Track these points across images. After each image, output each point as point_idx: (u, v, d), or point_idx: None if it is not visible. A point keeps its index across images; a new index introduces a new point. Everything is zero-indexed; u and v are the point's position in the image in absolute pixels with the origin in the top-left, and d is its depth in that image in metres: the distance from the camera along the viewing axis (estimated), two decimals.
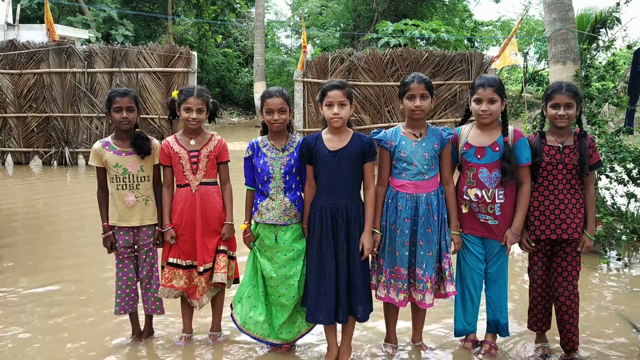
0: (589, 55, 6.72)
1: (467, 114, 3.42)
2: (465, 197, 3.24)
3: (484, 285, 3.35)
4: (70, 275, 4.83)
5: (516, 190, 3.19)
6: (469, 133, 3.26)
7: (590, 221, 3.17)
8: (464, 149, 3.23)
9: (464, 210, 3.26)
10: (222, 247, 3.38)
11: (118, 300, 3.41)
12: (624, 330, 3.76)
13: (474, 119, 3.27)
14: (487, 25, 27.62)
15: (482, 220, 3.22)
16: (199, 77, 18.53)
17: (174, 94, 3.38)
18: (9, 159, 11.69)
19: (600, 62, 6.38)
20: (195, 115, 3.27)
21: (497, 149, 3.15)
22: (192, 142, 3.35)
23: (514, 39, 11.32)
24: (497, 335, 3.39)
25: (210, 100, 3.38)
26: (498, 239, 3.21)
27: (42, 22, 14.02)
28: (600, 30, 16.90)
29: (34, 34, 13.82)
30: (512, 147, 3.14)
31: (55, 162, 11.52)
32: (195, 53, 11.47)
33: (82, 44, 13.95)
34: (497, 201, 3.17)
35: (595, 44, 7.58)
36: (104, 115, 11.18)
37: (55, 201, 8.23)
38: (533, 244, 3.25)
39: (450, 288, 3.21)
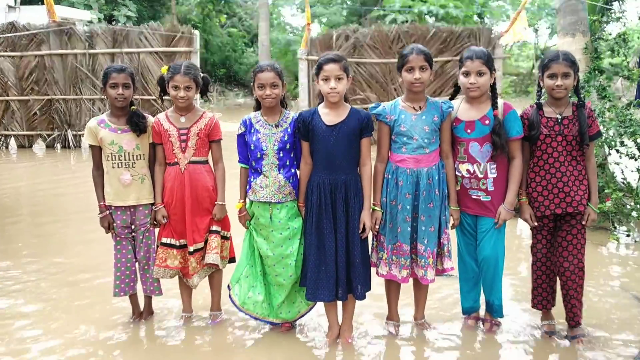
0: (600, 27, 6.53)
1: (456, 89, 3.32)
2: (457, 173, 3.17)
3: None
4: (73, 256, 4.84)
5: (508, 166, 3.11)
6: (458, 108, 3.19)
7: (594, 193, 3.11)
8: (454, 124, 3.16)
9: (457, 187, 3.19)
10: (214, 228, 3.33)
11: (117, 282, 3.39)
12: (632, 306, 3.69)
13: (464, 95, 3.19)
14: (497, 0, 27.14)
15: (474, 197, 3.15)
16: (204, 58, 18.38)
17: (163, 70, 3.31)
18: (13, 142, 11.72)
19: (610, 34, 6.17)
20: (182, 93, 3.18)
21: (487, 122, 3.08)
22: (182, 119, 3.27)
23: (524, 13, 11.08)
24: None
25: (201, 75, 3.29)
26: (491, 215, 3.13)
27: (43, 3, 13.93)
28: (614, 2, 16.46)
29: (35, 16, 13.74)
30: (502, 120, 3.06)
31: (58, 145, 11.54)
32: (197, 32, 11.33)
33: (84, 25, 13.85)
34: (489, 176, 3.10)
35: (605, 17, 7.34)
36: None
37: (59, 183, 8.26)
38: (536, 222, 3.17)
39: (448, 264, 3.15)
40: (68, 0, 18.03)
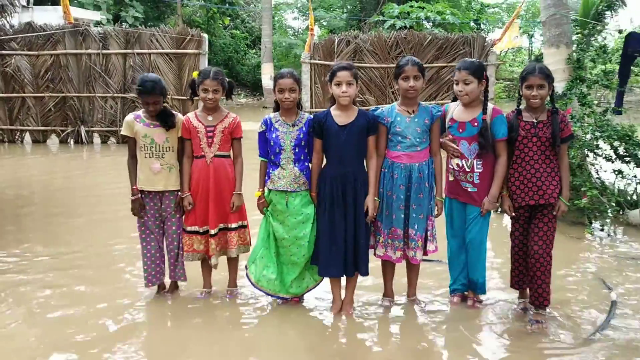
0: (584, 40, 7.03)
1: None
2: (450, 166, 3.66)
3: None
4: (89, 243, 5.12)
5: (494, 162, 3.56)
6: (455, 109, 3.66)
7: (565, 187, 3.51)
8: (449, 123, 3.64)
9: (450, 178, 3.68)
10: (234, 225, 3.79)
11: (146, 274, 3.81)
12: (599, 290, 4.12)
13: None
14: (493, 7, 27.60)
15: (464, 188, 3.62)
16: (207, 59, 18.69)
17: (195, 74, 3.76)
18: (28, 137, 12.04)
19: (593, 46, 6.68)
20: (211, 95, 3.65)
21: (476, 124, 3.54)
22: (210, 118, 3.74)
23: (517, 22, 11.57)
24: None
25: (226, 80, 3.77)
26: (477, 204, 3.59)
27: (54, 3, 14.31)
28: (606, 13, 16.94)
29: (47, 16, 14.13)
30: (490, 123, 3.52)
31: (71, 141, 11.85)
32: (205, 35, 11.68)
33: (94, 26, 14.26)
34: (475, 170, 3.56)
35: (587, 30, 7.86)
36: (118, 95, 11.54)
37: (72, 178, 8.54)
38: (514, 213, 3.61)
39: (431, 246, 3.63)
40: (78, 0, 18.42)
